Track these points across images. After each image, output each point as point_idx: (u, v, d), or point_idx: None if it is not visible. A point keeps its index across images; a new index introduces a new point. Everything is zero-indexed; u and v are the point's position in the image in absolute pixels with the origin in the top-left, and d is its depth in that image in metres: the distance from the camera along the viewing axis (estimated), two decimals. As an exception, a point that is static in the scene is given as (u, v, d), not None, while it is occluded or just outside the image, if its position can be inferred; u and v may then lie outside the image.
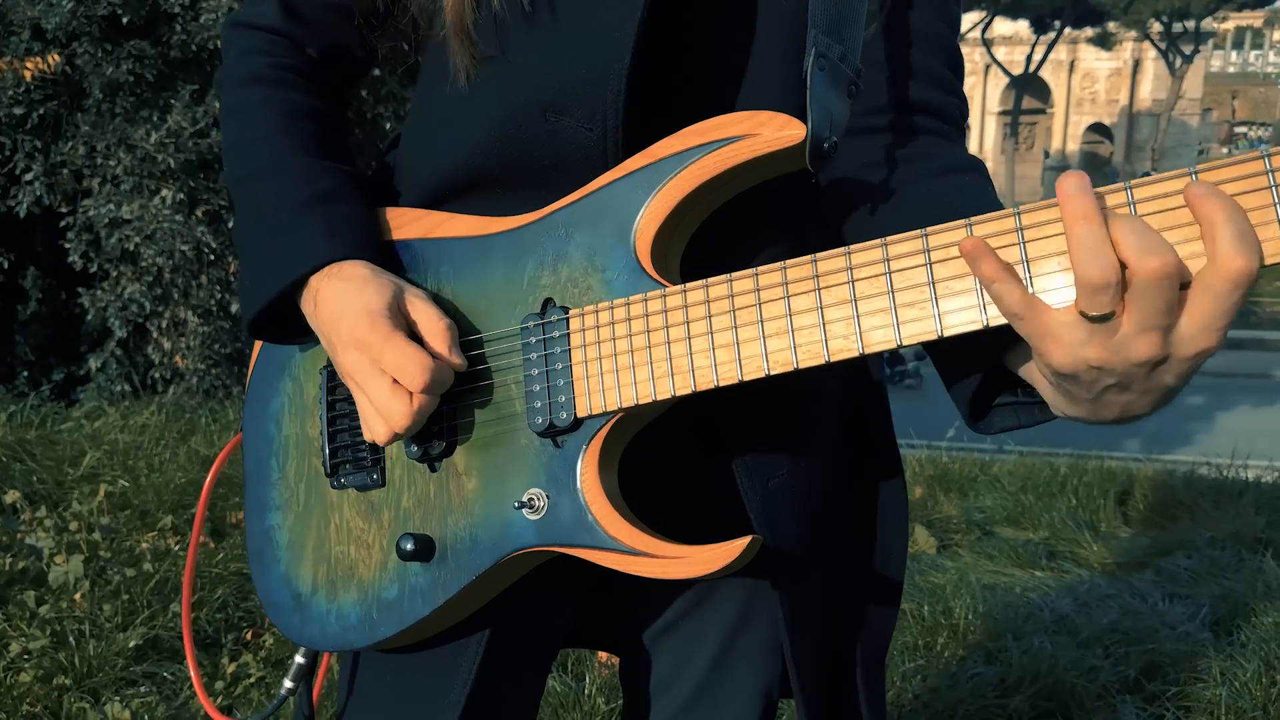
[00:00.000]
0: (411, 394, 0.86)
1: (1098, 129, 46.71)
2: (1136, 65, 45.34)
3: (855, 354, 0.76)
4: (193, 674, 1.18)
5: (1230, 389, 18.03)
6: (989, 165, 46.16)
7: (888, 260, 0.75)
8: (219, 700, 2.72)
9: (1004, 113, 44.92)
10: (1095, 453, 5.51)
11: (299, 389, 1.04)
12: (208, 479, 1.20)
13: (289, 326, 0.97)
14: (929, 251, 0.74)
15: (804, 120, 0.81)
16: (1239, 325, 25.06)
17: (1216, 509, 4.66)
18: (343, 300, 0.89)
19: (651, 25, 0.87)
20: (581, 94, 0.89)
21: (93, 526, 3.59)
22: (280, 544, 1.03)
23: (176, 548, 3.61)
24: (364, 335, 0.87)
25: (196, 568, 3.39)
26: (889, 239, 0.76)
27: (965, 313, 0.73)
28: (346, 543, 0.98)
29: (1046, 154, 46.78)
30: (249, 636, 3.07)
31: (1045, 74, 44.39)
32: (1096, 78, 46.23)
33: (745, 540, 0.81)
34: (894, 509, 1.09)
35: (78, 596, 3.14)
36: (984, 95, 46.17)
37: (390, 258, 0.97)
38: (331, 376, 1.00)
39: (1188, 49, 39.59)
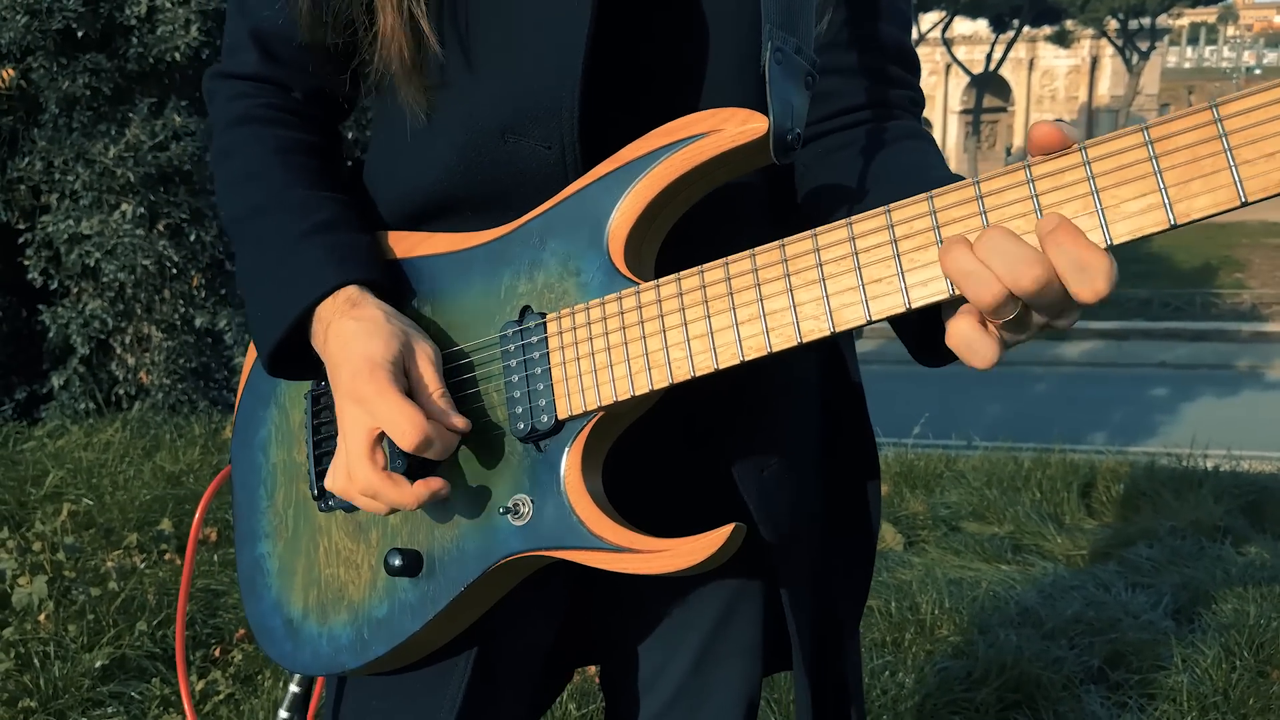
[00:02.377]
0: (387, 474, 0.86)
1: (1058, 126, 47.09)
2: (1095, 62, 45.91)
3: (826, 333, 0.77)
4: (186, 706, 1.18)
5: (1194, 380, 18.27)
6: (951, 164, 46.41)
7: (853, 240, 0.76)
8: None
9: (965, 111, 45.31)
10: (1059, 446, 5.57)
11: (284, 416, 1.05)
12: (197, 515, 1.21)
13: (305, 361, 0.95)
14: (892, 228, 0.75)
15: (766, 114, 0.82)
16: (1202, 317, 25.40)
17: (1177, 499, 4.73)
18: (349, 344, 0.88)
19: (601, 39, 0.88)
20: (537, 114, 0.90)
21: (56, 546, 3.56)
22: (271, 571, 1.04)
23: (142, 565, 3.58)
24: (361, 386, 0.86)
25: (162, 584, 3.36)
26: (854, 218, 0.77)
27: (931, 285, 0.74)
28: (336, 565, 0.99)
29: (1009, 151, 47.24)
30: (217, 653, 3.05)
31: (1005, 72, 44.83)
32: (1056, 75, 46.76)
33: (729, 529, 0.81)
34: (869, 482, 1.12)
35: (42, 618, 3.11)
36: (945, 94, 46.55)
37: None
38: (316, 401, 1.01)
39: (1144, 45, 40.10)
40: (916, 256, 0.74)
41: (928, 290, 0.74)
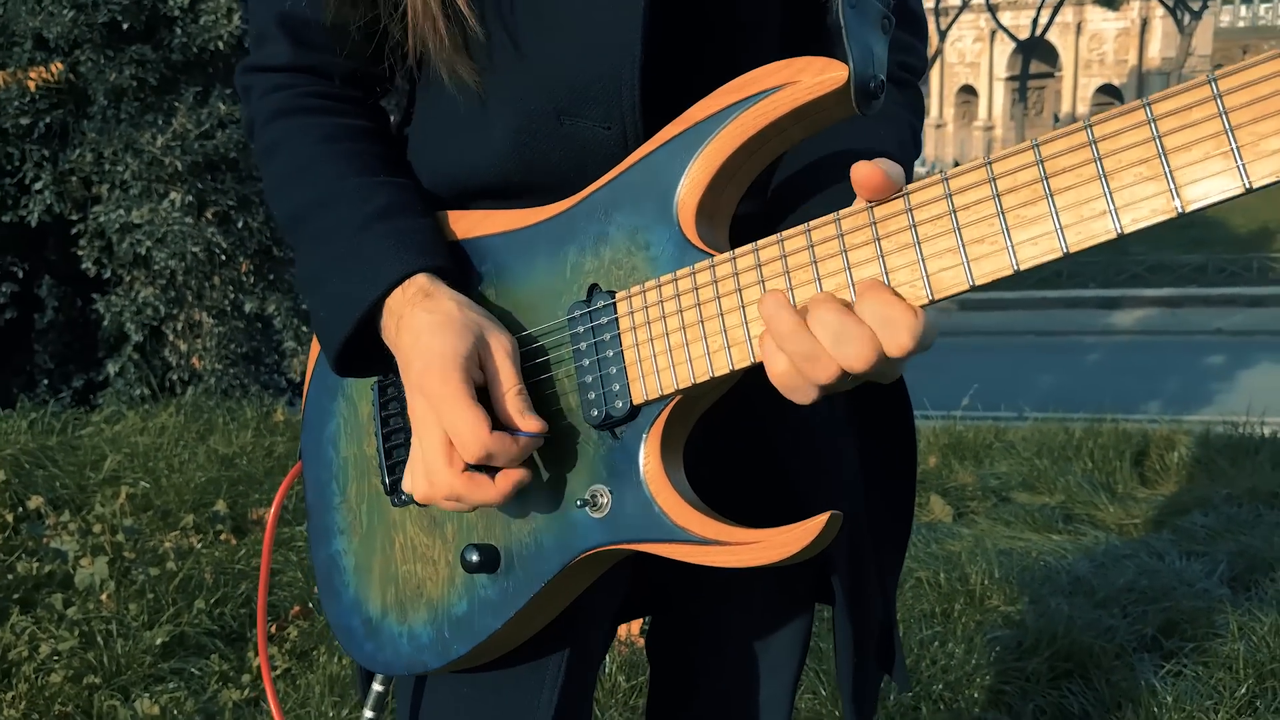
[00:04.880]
0: (464, 466, 0.82)
1: (1107, 90, 46.24)
2: (1144, 24, 44.84)
3: (925, 300, 0.71)
4: (268, 692, 1.16)
5: (1250, 347, 17.89)
6: (998, 132, 45.84)
7: (950, 196, 0.70)
8: (245, 693, 2.76)
9: (1012, 78, 44.54)
10: (1111, 416, 5.50)
11: (353, 409, 1.01)
12: (272, 510, 1.19)
13: (373, 356, 0.92)
14: (994, 181, 0.69)
15: (844, 62, 0.77)
16: (1259, 282, 24.80)
17: (1233, 466, 4.65)
18: (421, 338, 0.84)
19: (658, 8, 0.85)
20: (594, 93, 0.87)
21: (116, 528, 3.64)
22: (347, 569, 1.01)
23: (199, 545, 3.66)
24: (432, 385, 0.82)
25: (219, 563, 3.44)
26: (950, 172, 0.71)
27: (1043, 240, 0.67)
28: (413, 561, 0.95)
29: (1056, 118, 46.39)
30: (273, 630, 3.12)
31: (1052, 37, 43.97)
32: (1104, 39, 45.75)
33: (824, 518, 0.76)
34: (906, 433, 1.10)
35: (104, 597, 3.19)
36: (991, 61, 45.77)
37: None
38: (384, 392, 0.96)
39: (1196, 5, 39.13)
40: (1023, 213, 0.68)
41: (1037, 249, 0.68)
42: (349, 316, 0.88)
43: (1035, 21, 40.01)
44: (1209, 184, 0.61)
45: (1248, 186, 0.60)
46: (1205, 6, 40.30)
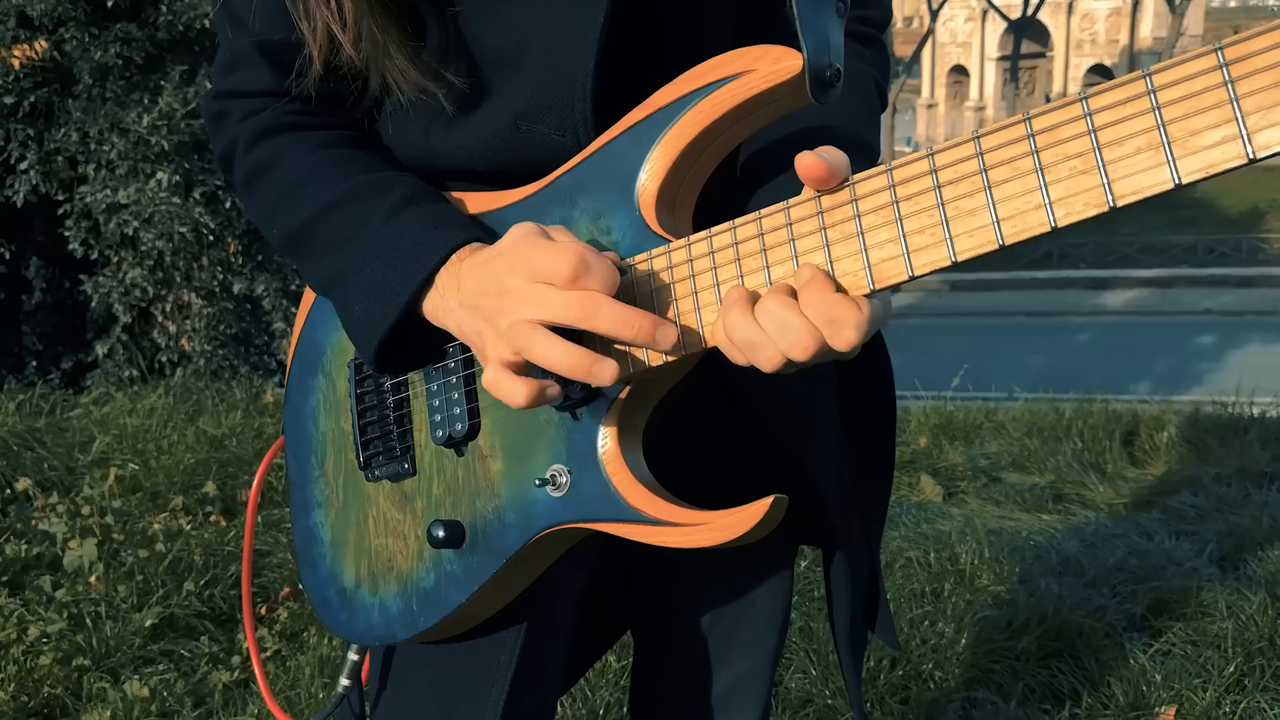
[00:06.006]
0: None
1: (1099, 70, 46.20)
2: (1136, 3, 44.77)
3: (867, 290, 0.72)
4: (259, 678, 1.17)
5: (1240, 326, 17.98)
6: (989, 112, 45.80)
7: (893, 187, 0.71)
8: (235, 674, 2.76)
9: (1003, 58, 44.46)
10: (1101, 395, 5.51)
11: (331, 385, 1.03)
12: (254, 485, 1.22)
13: (412, 348, 0.91)
14: (936, 173, 0.69)
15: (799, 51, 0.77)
16: (1248, 263, 24.90)
17: (1222, 446, 4.66)
18: (481, 266, 0.82)
19: (615, 28, 0.85)
20: (549, 103, 0.88)
21: (105, 510, 3.63)
22: (324, 541, 1.04)
23: (188, 527, 3.65)
24: (506, 264, 0.80)
25: (208, 545, 3.43)
26: (893, 163, 0.71)
27: (980, 233, 0.68)
28: (385, 535, 0.98)
29: (1048, 98, 46.28)
30: (263, 611, 3.11)
31: (1044, 17, 43.88)
32: (1096, 18, 45.69)
33: (768, 500, 0.77)
34: (886, 395, 1.10)
35: (93, 579, 3.18)
36: (982, 41, 45.69)
37: None
38: (359, 370, 0.99)
39: (1188, -15, 39.05)
40: (961, 204, 0.69)
41: (974, 240, 0.68)
42: (397, 299, 0.87)
43: (1027, 1, 39.90)
44: (1140, 178, 0.62)
45: (1176, 182, 0.61)
46: (1197, -14, 40.23)
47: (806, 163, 0.72)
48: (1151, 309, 20.69)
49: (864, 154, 0.88)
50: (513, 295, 0.80)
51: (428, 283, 0.86)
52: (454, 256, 0.86)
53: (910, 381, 6.49)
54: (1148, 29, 45.14)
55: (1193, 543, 3.57)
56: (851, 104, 0.92)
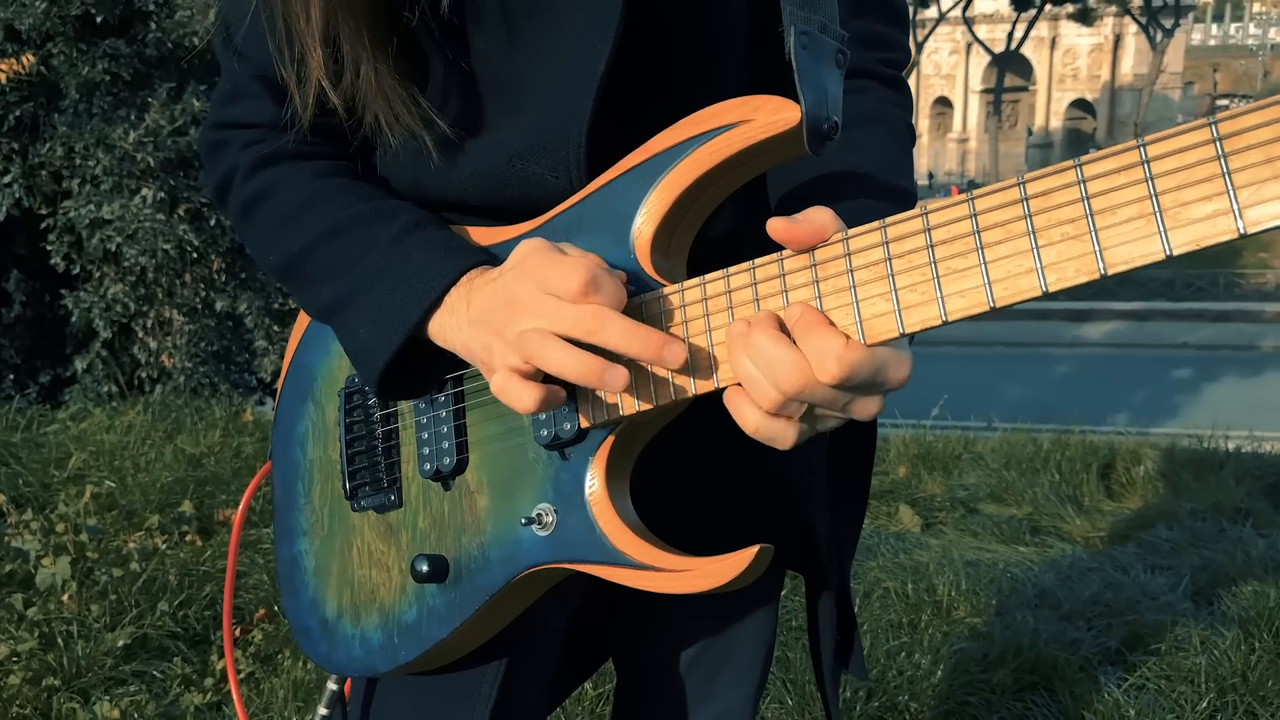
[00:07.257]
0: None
1: (1080, 105, 46.76)
2: (1118, 40, 45.42)
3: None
4: (235, 698, 1.17)
5: (1216, 361, 18.13)
6: (972, 144, 46.28)
7: (887, 244, 0.71)
8: (208, 696, 2.73)
9: (986, 91, 44.93)
10: (1079, 428, 5.55)
11: (320, 412, 1.03)
12: (239, 509, 1.21)
13: (414, 375, 0.91)
14: (929, 231, 0.70)
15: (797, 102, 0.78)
16: (1225, 298, 25.16)
17: (1198, 480, 4.70)
18: (495, 282, 0.82)
19: (615, 74, 0.86)
20: (544, 145, 0.89)
21: (79, 528, 3.60)
22: (308, 569, 1.03)
23: (164, 546, 3.62)
24: (519, 275, 0.80)
25: (183, 565, 3.40)
26: (888, 220, 0.72)
27: (971, 294, 0.68)
28: (368, 566, 0.97)
29: (1030, 131, 46.83)
30: (238, 633, 3.09)
31: (1027, 51, 44.41)
32: (1078, 54, 46.29)
33: (754, 550, 0.77)
34: (866, 431, 1.10)
35: (65, 598, 3.15)
36: (966, 74, 46.16)
37: None
38: (349, 399, 0.99)
39: (1168, 23, 39.63)
40: (953, 264, 0.70)
41: (966, 301, 0.69)
42: (406, 321, 0.86)
43: (1010, 35, 40.38)
44: (1131, 248, 0.63)
45: (1167, 253, 0.62)
46: (1178, 24, 40.82)
47: (776, 227, 0.74)
48: (1129, 341, 20.85)
49: (901, 201, 0.90)
50: (523, 306, 0.80)
51: (436, 304, 0.86)
52: (464, 278, 0.85)
53: (890, 410, 6.51)
54: (1129, 65, 45.74)
55: (1168, 577, 3.59)
56: (890, 148, 0.94)
